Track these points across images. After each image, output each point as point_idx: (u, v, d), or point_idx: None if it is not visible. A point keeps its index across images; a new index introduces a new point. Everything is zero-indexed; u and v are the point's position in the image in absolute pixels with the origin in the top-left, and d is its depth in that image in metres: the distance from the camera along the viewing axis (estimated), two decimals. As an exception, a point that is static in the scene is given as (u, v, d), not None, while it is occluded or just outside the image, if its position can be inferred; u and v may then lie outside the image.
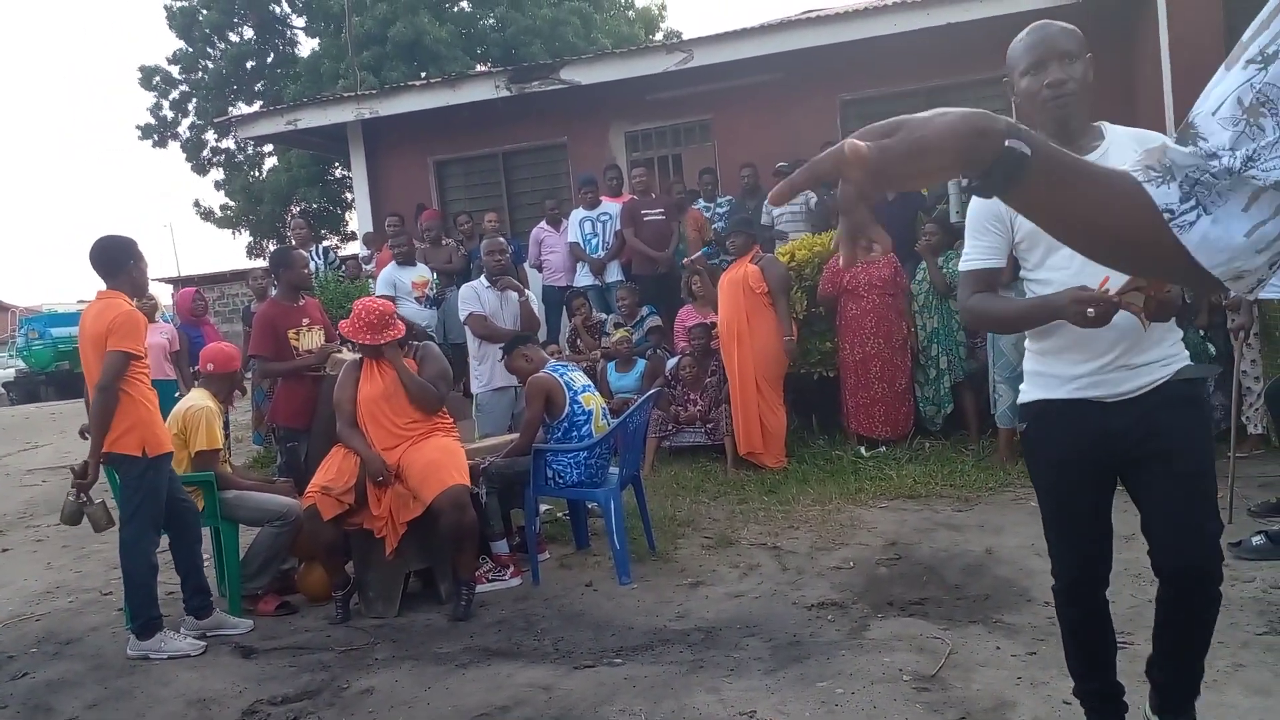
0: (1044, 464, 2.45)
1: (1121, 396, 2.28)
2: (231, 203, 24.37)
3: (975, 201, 2.34)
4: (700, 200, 8.90)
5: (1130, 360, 2.26)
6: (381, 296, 6.85)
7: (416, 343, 5.00)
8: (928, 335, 6.78)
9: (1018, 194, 1.09)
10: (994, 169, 1.05)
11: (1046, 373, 2.38)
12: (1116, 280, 2.07)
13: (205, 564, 4.88)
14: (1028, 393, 2.45)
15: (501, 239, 7.02)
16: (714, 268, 7.39)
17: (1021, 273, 2.44)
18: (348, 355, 5.09)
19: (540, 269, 9.08)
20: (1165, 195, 1.01)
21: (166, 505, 4.30)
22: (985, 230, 2.42)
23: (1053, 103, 2.22)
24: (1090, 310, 2.07)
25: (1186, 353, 2.32)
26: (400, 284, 8.13)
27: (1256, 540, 4.13)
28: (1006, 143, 1.04)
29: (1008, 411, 5.88)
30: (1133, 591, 3.64)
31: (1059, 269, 2.28)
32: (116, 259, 4.29)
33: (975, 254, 2.45)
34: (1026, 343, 2.46)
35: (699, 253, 7.63)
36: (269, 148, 21.10)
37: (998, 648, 3.47)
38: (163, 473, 4.27)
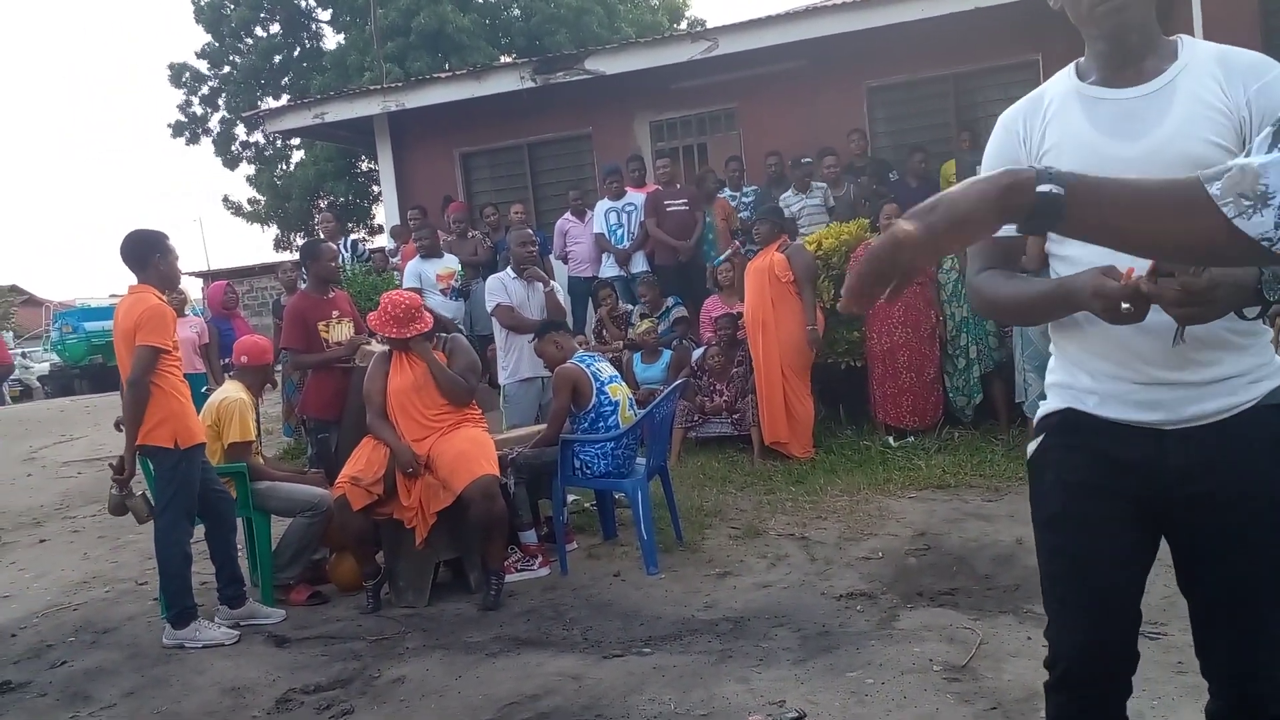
0: (1055, 486, 1.78)
1: (1185, 424, 1.65)
2: (260, 197, 24.57)
3: (991, 146, 1.89)
4: (726, 189, 8.86)
5: (1197, 373, 1.64)
6: (408, 289, 6.89)
7: (445, 335, 5.03)
8: (956, 324, 6.72)
9: (1066, 228, 1.18)
10: (1034, 215, 1.20)
11: (1075, 385, 1.78)
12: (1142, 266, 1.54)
13: (239, 554, 4.94)
14: (1050, 404, 1.85)
15: (529, 230, 7.04)
16: (742, 257, 7.39)
17: (1046, 245, 1.86)
18: (377, 347, 5.13)
19: (565, 260, 9.09)
20: (1260, 225, 1.03)
21: (201, 495, 4.36)
22: None
23: (1102, 9, 1.71)
24: (1125, 305, 1.47)
25: (1278, 362, 1.69)
26: (425, 277, 8.16)
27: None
28: (1038, 189, 1.19)
29: (1037, 400, 5.83)
30: (1165, 581, 3.60)
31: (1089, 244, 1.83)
32: (143, 253, 4.34)
33: None
34: (1052, 341, 1.90)
35: (735, 248, 7.53)
36: (296, 141, 21.22)
37: (1029, 638, 3.44)
38: (195, 464, 4.33)
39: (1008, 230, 1.60)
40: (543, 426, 5.30)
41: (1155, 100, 1.68)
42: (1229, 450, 1.64)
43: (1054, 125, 1.76)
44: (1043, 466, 1.82)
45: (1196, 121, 1.63)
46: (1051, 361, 1.89)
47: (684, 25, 24.93)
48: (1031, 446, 1.86)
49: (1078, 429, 1.76)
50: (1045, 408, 1.86)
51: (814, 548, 4.80)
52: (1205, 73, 1.67)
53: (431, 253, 8.33)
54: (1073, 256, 1.72)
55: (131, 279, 4.37)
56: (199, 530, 4.52)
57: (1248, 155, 1.38)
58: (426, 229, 8.66)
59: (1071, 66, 1.82)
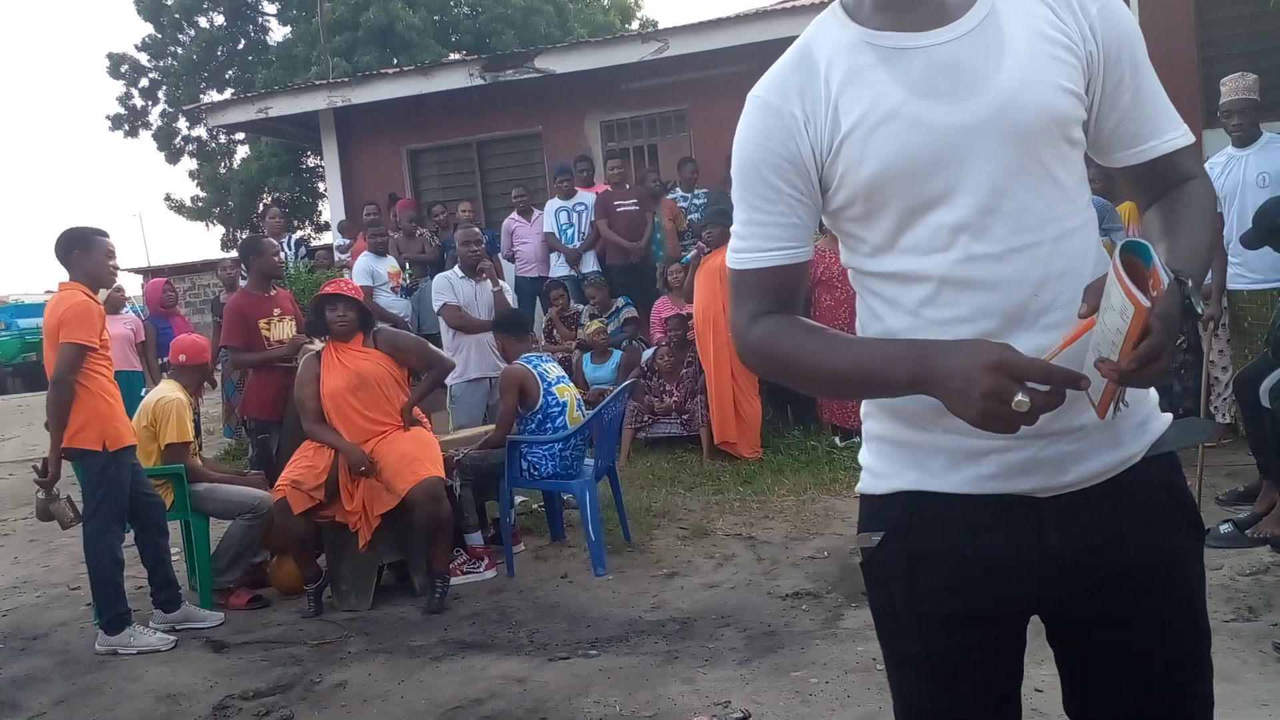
0: (907, 618, 1.33)
1: (1065, 489, 1.23)
2: (203, 193, 24.09)
3: (751, 135, 1.29)
4: (678, 189, 8.88)
5: (1077, 419, 1.20)
6: (360, 287, 6.80)
7: (375, 329, 4.83)
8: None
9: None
10: None
11: (909, 440, 1.29)
12: (1101, 335, 1.08)
13: (175, 557, 4.83)
14: (881, 475, 1.33)
15: (476, 229, 6.99)
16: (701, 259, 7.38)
17: (848, 260, 1.34)
18: (319, 347, 5.03)
19: (513, 260, 9.04)
20: None
21: (130, 499, 4.24)
22: (767, 187, 1.28)
23: None
24: (1021, 397, 1.04)
25: (1156, 398, 1.31)
26: (377, 274, 8.07)
27: (1224, 528, 4.18)
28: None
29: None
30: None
31: (933, 251, 1.22)
32: (63, 250, 4.20)
33: (757, 236, 1.30)
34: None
35: (700, 248, 7.47)
36: (241, 136, 20.87)
37: (970, 636, 3.48)
38: (125, 467, 4.21)
39: (791, 250, 1.29)
40: (490, 427, 5.26)
41: (977, 41, 1.21)
42: (1121, 522, 1.24)
43: (848, 94, 1.23)
44: (885, 582, 1.34)
45: (1043, 62, 1.21)
46: (876, 410, 1.34)
47: (635, 26, 24.97)
48: (863, 541, 1.35)
49: (927, 526, 1.28)
50: (875, 480, 1.34)
51: (761, 547, 4.82)
52: (1020, 4, 1.23)
53: (383, 250, 8.26)
54: (907, 274, 1.24)
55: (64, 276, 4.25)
56: (130, 534, 4.40)
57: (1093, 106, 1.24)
58: (381, 226, 8.57)
59: (834, 9, 1.31)
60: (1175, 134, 1.30)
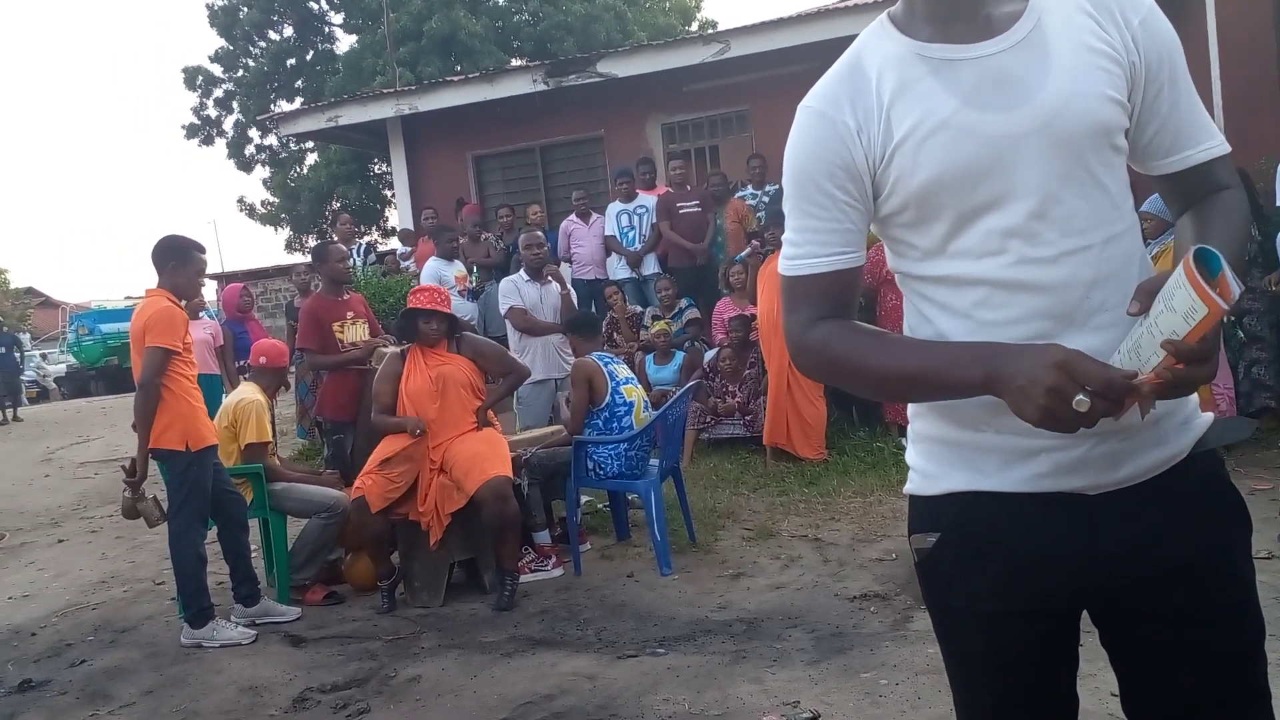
0: (965, 617, 1.35)
1: (1115, 486, 1.25)
2: (274, 199, 24.71)
3: (803, 146, 1.32)
4: (749, 188, 8.86)
5: (1128, 418, 1.16)
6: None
7: (458, 335, 5.00)
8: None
9: None
10: None
11: (960, 440, 1.31)
12: (1146, 345, 1.09)
13: (254, 554, 4.98)
14: (931, 476, 1.36)
15: (540, 233, 7.07)
16: (759, 258, 7.38)
17: (896, 265, 1.36)
18: (394, 350, 5.15)
19: (570, 262, 9.11)
20: None
21: (213, 497, 4.39)
22: (821, 194, 1.31)
23: None
24: (1081, 397, 1.07)
25: (1196, 399, 1.31)
26: (445, 278, 8.19)
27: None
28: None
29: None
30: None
31: (985, 255, 1.25)
32: (159, 258, 4.38)
33: (812, 243, 1.32)
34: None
35: (755, 248, 7.48)
36: (310, 144, 21.34)
37: (1043, 639, 3.43)
38: (207, 466, 4.36)
39: (845, 255, 1.31)
40: (556, 428, 5.32)
41: (1025, 52, 1.24)
42: (1170, 518, 1.25)
43: (901, 104, 1.26)
44: (941, 582, 1.36)
45: (1089, 73, 1.24)
46: (924, 410, 1.37)
47: (695, 27, 24.96)
48: (918, 543, 1.38)
49: (981, 526, 1.30)
50: (926, 481, 1.37)
51: (827, 549, 4.81)
52: (1071, 5, 1.27)
53: (452, 254, 8.37)
54: (957, 277, 1.27)
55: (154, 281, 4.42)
56: (213, 531, 4.55)
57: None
58: (450, 232, 8.69)
59: (882, 21, 1.34)
60: (1211, 143, 1.32)
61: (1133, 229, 1.29)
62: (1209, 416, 1.31)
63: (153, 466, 4.36)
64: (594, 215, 9.01)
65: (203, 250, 4.48)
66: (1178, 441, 1.26)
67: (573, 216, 9.13)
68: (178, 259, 4.39)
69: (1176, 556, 1.25)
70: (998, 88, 1.24)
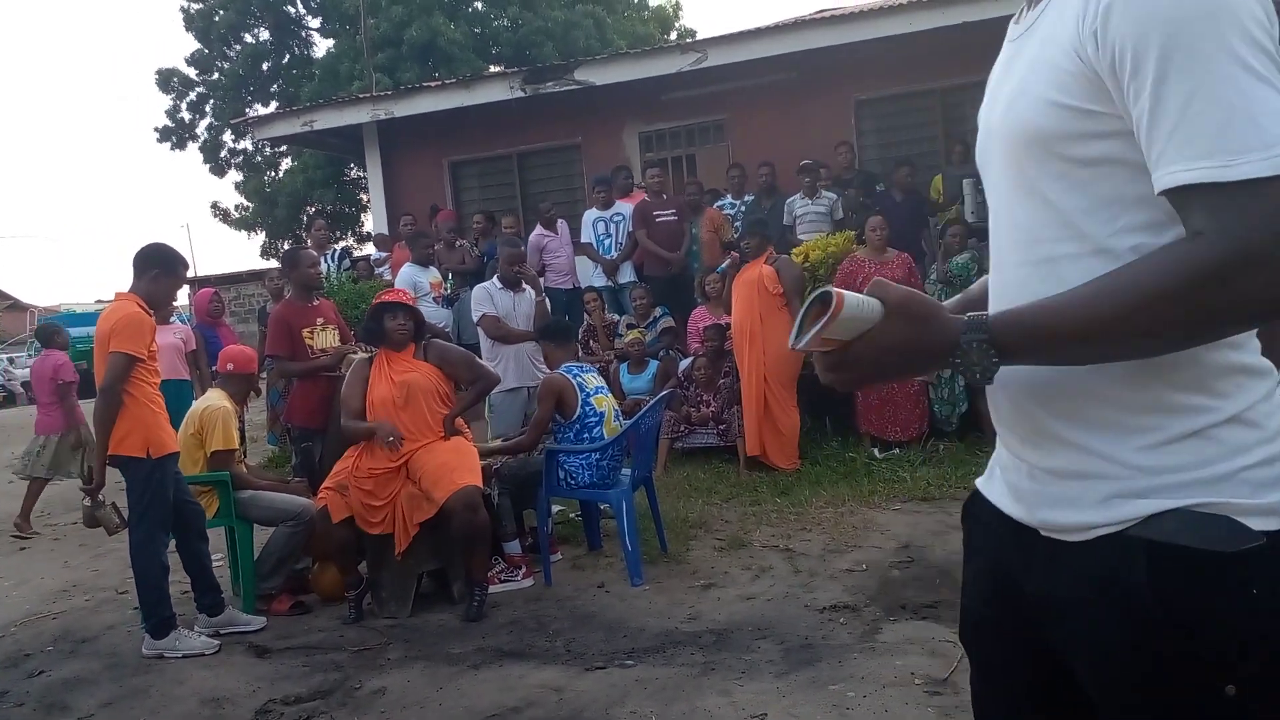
0: (962, 600, 1.35)
1: (1039, 526, 1.15)
2: (248, 204, 24.52)
3: None
4: (728, 197, 8.86)
5: (1044, 453, 1.14)
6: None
7: (425, 341, 4.94)
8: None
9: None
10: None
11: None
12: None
13: (219, 563, 4.91)
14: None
15: (520, 250, 6.97)
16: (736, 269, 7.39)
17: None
18: (363, 356, 5.10)
19: (543, 274, 9.06)
20: None
21: (172, 506, 4.32)
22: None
23: None
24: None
25: (1146, 484, 1.05)
26: (419, 284, 8.14)
27: None
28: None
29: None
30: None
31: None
32: (142, 262, 4.33)
33: None
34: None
35: (734, 259, 7.46)
36: (285, 148, 21.21)
37: (1011, 652, 3.44)
38: (168, 474, 4.29)
39: None
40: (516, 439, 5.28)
41: (1021, 44, 1.15)
42: (1080, 601, 1.08)
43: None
44: (963, 558, 1.38)
45: (1035, 72, 1.09)
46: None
47: (674, 36, 25.05)
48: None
49: (970, 522, 1.32)
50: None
51: (798, 559, 4.80)
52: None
53: (427, 260, 8.32)
54: None
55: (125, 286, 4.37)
56: (174, 541, 4.48)
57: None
58: (426, 238, 8.63)
59: None
60: (1176, 168, 0.95)
61: (1096, 254, 1.05)
62: (1168, 504, 1.02)
63: (112, 475, 4.29)
64: (560, 222, 8.96)
65: (186, 267, 4.48)
66: (1092, 513, 1.06)
67: (540, 229, 8.97)
68: (162, 268, 4.34)
69: (1084, 649, 1.09)
70: (997, 81, 1.21)
